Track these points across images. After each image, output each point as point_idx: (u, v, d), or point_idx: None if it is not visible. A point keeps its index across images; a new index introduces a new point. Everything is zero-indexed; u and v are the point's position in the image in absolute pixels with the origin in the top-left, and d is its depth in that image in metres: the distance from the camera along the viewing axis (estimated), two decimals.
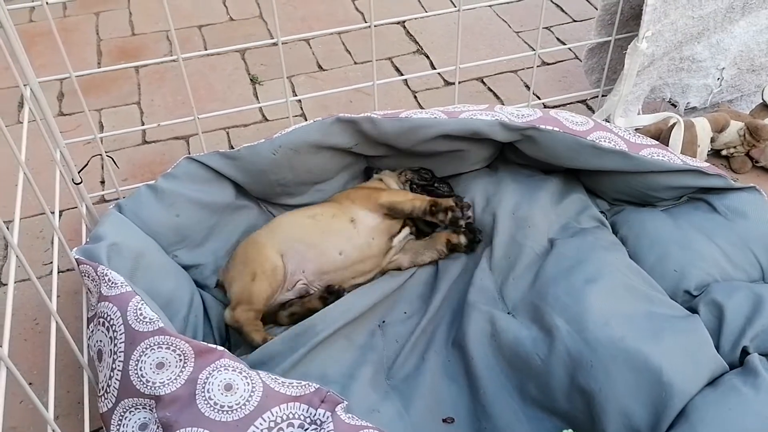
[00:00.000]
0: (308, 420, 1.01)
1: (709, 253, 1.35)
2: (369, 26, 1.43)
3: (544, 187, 1.49)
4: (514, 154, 1.53)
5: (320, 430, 0.99)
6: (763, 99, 1.72)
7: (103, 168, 1.77)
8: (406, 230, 1.44)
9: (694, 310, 1.27)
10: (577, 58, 2.16)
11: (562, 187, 1.52)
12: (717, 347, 1.19)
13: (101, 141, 1.76)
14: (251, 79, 2.12)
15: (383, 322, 1.35)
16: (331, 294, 1.33)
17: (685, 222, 1.42)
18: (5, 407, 0.85)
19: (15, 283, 0.90)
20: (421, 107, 1.96)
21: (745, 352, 1.18)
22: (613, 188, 1.52)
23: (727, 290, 1.27)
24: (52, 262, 1.51)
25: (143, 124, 1.94)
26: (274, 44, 1.38)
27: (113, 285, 1.07)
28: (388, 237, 1.41)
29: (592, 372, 1.12)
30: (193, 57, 1.39)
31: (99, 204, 1.61)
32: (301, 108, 1.98)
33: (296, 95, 2.03)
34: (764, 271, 1.34)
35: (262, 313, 1.30)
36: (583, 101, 1.99)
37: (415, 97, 2.03)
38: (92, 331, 1.08)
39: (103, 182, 1.74)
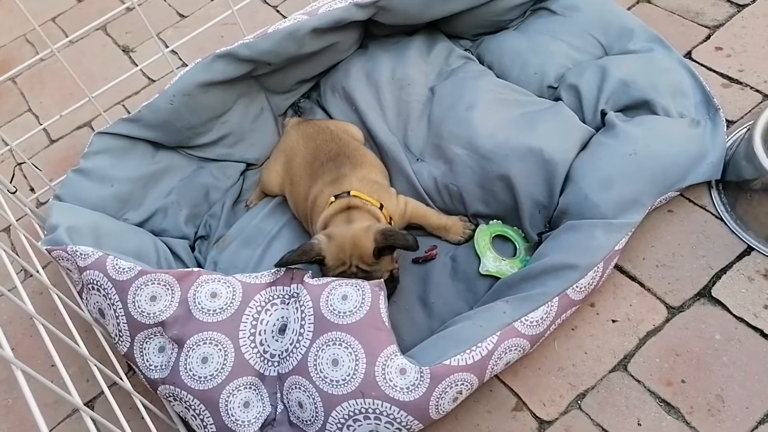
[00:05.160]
0: (287, 296, 1.23)
1: (557, 50, 1.58)
2: None
3: (411, 47, 1.68)
4: (377, 29, 1.71)
5: (298, 299, 1.20)
6: None
7: (26, 178, 1.88)
8: None
9: (559, 99, 1.51)
10: None
11: (426, 41, 1.72)
12: (583, 120, 1.45)
13: (13, 153, 1.86)
14: (123, 50, 2.20)
15: None
16: None
17: (533, 31, 1.65)
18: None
19: None
20: (284, 17, 2.09)
21: (604, 114, 1.43)
22: (469, 25, 1.72)
23: (578, 72, 1.51)
24: (21, 271, 1.67)
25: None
26: (129, 9, 1.48)
27: (86, 256, 1.24)
28: None
29: (495, 177, 1.36)
30: (61, 46, 1.49)
31: (39, 208, 1.73)
32: (180, 59, 2.09)
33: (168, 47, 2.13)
34: (604, 46, 1.58)
35: None
36: None
37: (278, 11, 2.16)
38: (86, 298, 1.25)
39: (32, 189, 1.85)
